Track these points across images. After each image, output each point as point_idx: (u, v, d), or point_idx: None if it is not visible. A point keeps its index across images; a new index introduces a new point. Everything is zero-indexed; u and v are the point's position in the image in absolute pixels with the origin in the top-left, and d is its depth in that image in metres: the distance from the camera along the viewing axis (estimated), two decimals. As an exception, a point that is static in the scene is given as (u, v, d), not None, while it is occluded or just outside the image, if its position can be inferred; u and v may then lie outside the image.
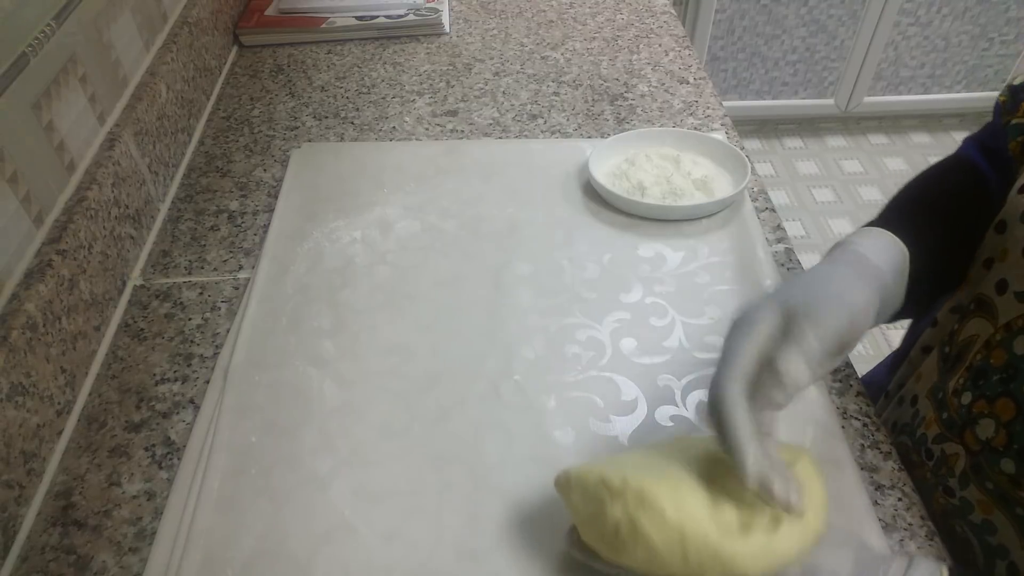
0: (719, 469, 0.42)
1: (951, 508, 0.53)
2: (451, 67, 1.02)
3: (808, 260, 1.98)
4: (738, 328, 0.42)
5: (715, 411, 0.40)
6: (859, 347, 1.76)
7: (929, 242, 0.52)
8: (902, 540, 0.51)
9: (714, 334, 0.65)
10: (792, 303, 0.42)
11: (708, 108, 0.93)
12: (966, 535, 0.52)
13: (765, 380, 0.40)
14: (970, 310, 0.52)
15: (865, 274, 0.46)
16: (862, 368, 0.65)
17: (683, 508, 0.40)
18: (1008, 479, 0.47)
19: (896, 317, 0.52)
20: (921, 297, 0.52)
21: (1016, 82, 0.52)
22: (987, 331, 0.50)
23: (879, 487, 0.54)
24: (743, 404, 0.39)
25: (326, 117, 0.93)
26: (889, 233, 0.51)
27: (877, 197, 2.22)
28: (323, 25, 1.07)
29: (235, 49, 1.07)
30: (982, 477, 0.49)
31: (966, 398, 0.51)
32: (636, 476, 0.42)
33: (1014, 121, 0.52)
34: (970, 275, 0.53)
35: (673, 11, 1.15)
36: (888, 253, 0.49)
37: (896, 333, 1.79)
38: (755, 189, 0.81)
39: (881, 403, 0.66)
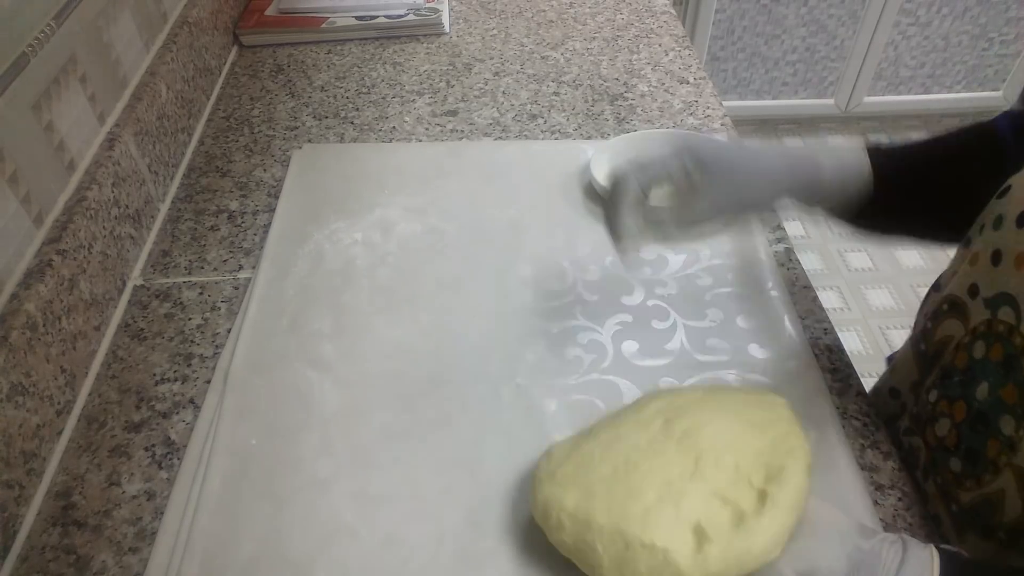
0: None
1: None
2: (451, 67, 1.02)
3: (808, 260, 1.98)
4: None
5: (614, 188, 0.52)
6: (859, 347, 1.76)
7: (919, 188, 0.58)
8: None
9: (716, 337, 0.65)
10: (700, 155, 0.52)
11: (708, 108, 0.93)
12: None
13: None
14: (944, 311, 0.53)
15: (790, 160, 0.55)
16: (861, 368, 0.65)
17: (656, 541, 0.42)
18: (953, 477, 0.49)
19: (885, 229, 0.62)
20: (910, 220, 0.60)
21: None
22: (959, 332, 0.51)
23: (879, 487, 0.54)
24: (635, 188, 0.51)
25: (326, 117, 0.93)
26: (860, 152, 0.56)
27: (877, 197, 2.22)
28: (323, 25, 1.07)
29: (235, 49, 1.07)
30: (935, 472, 0.51)
31: (933, 396, 0.53)
32: (610, 515, 0.44)
33: None
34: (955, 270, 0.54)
35: (673, 11, 1.15)
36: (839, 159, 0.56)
37: (896, 333, 1.79)
38: (756, 190, 0.81)
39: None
